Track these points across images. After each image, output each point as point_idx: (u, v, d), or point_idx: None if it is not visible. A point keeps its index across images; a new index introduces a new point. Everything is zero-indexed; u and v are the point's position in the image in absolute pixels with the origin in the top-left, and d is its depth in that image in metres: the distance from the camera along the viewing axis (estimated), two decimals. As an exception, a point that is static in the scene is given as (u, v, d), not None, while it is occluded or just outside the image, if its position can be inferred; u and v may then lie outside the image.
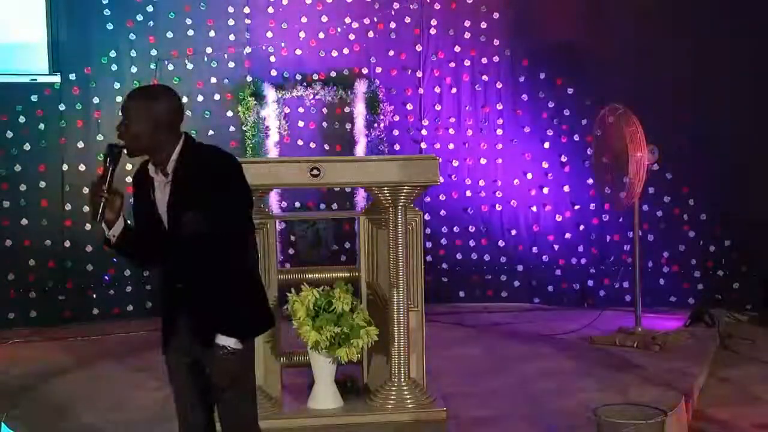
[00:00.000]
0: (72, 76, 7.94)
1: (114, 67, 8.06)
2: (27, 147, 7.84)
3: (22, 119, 7.83)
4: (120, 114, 3.14)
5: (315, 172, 4.87)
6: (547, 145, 8.41)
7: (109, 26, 8.06)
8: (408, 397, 4.93)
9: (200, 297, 3.14)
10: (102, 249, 7.78)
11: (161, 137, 3.09)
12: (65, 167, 7.93)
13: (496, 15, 8.46)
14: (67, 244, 7.92)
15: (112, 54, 8.06)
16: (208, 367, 3.18)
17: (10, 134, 7.79)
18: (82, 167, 7.96)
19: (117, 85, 8.04)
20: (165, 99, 3.12)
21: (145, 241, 3.19)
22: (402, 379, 4.95)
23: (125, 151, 3.11)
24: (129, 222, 3.18)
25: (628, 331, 6.83)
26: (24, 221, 7.80)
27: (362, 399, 5.08)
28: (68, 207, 7.91)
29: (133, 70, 8.10)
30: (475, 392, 5.47)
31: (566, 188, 8.36)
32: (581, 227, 8.35)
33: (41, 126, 7.88)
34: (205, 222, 3.06)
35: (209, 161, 3.13)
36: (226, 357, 3.06)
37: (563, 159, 8.33)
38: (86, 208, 7.90)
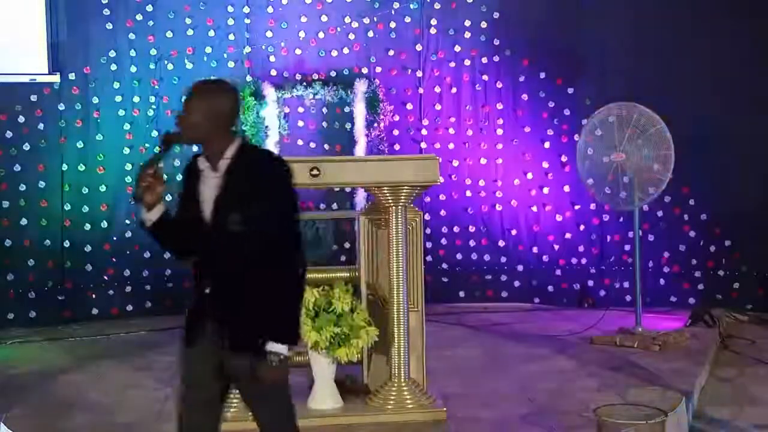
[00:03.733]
0: (71, 76, 7.93)
1: (113, 67, 8.05)
2: (26, 147, 7.83)
3: (21, 119, 7.81)
4: (182, 101, 3.16)
5: (315, 172, 4.87)
6: (547, 145, 8.40)
7: (109, 26, 8.05)
8: (408, 397, 4.93)
9: (240, 302, 3.10)
10: (103, 248, 7.90)
11: (217, 131, 3.12)
12: (65, 167, 7.92)
13: (496, 15, 8.45)
14: (67, 244, 7.91)
15: (112, 54, 8.05)
16: (240, 376, 3.14)
17: (9, 134, 7.78)
18: (81, 167, 7.95)
19: (116, 85, 8.04)
20: (225, 95, 3.16)
21: (185, 233, 3.16)
22: (402, 380, 4.95)
23: (179, 139, 3.16)
24: (170, 210, 3.18)
25: (628, 331, 6.83)
26: (23, 221, 7.79)
27: (362, 399, 5.08)
28: (68, 207, 7.90)
29: (133, 69, 8.09)
30: (475, 392, 5.47)
31: (566, 188, 8.35)
32: (581, 227, 8.35)
33: (41, 126, 7.87)
34: (249, 223, 3.06)
35: (267, 165, 3.16)
36: (276, 365, 3.04)
37: (563, 159, 8.32)
38: (86, 208, 7.92)
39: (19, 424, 4.92)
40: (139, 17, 8.11)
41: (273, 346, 3.05)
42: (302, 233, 3.22)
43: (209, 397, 3.21)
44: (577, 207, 8.33)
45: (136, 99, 8.09)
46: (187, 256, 3.26)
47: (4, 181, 7.76)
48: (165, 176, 3.13)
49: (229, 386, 3.25)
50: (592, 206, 8.20)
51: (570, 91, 8.31)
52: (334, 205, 8.40)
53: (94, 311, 7.95)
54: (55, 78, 7.83)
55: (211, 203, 3.11)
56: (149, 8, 8.12)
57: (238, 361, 3.11)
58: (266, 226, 3.07)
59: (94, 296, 7.97)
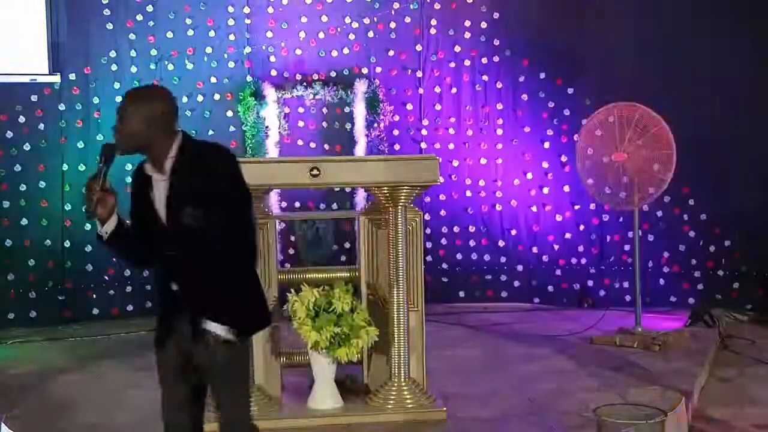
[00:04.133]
0: (72, 76, 7.94)
1: (114, 67, 8.06)
2: (27, 147, 7.83)
3: (22, 119, 7.82)
4: (117, 112, 3.18)
5: (315, 172, 4.88)
6: (547, 145, 8.41)
7: (109, 26, 8.05)
8: (408, 397, 4.93)
9: (198, 294, 3.16)
10: (101, 248, 7.88)
11: (155, 136, 3.14)
12: (65, 167, 7.93)
13: (496, 15, 8.45)
14: (67, 244, 7.91)
15: (112, 54, 8.06)
16: (199, 362, 3.20)
17: (10, 134, 7.79)
18: (82, 167, 7.95)
19: (117, 85, 8.04)
20: (159, 98, 3.19)
21: (143, 240, 3.22)
22: (402, 379, 4.95)
23: (119, 149, 3.18)
24: (124, 220, 3.21)
25: (628, 331, 6.84)
26: (24, 221, 7.80)
27: (362, 399, 5.08)
28: (68, 207, 7.90)
29: (133, 70, 8.09)
30: (475, 392, 5.46)
31: (566, 188, 8.35)
32: (581, 227, 8.35)
33: (41, 126, 7.87)
34: (205, 217, 3.09)
35: (210, 157, 3.18)
36: (213, 345, 3.10)
37: (563, 159, 8.33)
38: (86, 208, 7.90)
39: (19, 424, 4.92)
40: (139, 17, 8.11)
41: (209, 325, 3.11)
42: (254, 218, 3.24)
43: (184, 397, 3.28)
44: (576, 207, 8.33)
45: (136, 99, 8.08)
46: (146, 264, 3.35)
47: (5, 181, 7.77)
48: (111, 187, 3.15)
49: (205, 383, 3.30)
50: (592, 206, 8.20)
51: (570, 91, 8.32)
52: (334, 205, 8.41)
53: (95, 311, 7.96)
54: (56, 78, 7.83)
55: (164, 205, 3.15)
56: (149, 8, 8.13)
57: (199, 351, 3.16)
58: (220, 217, 3.09)
59: (94, 296, 7.98)
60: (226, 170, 3.16)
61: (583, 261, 8.36)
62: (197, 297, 3.16)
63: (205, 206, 3.09)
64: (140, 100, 3.16)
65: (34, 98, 7.85)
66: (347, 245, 8.28)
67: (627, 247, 8.06)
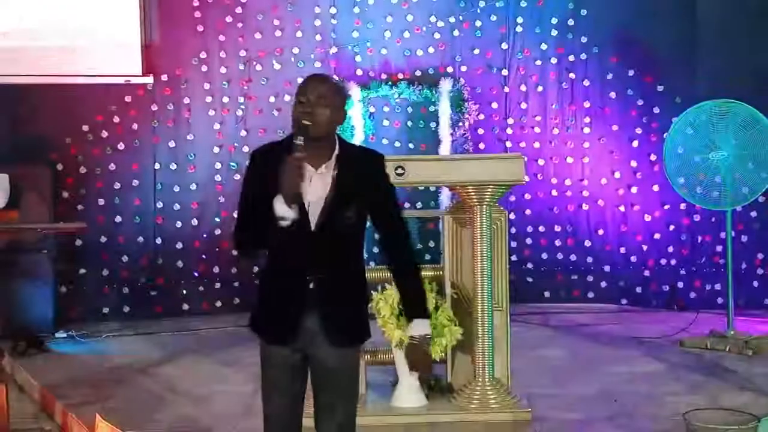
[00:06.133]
0: (164, 77, 8.14)
1: (204, 68, 8.23)
2: (121, 146, 8.07)
3: (116, 119, 8.06)
4: (305, 94, 3.08)
5: (400, 170, 4.90)
6: (636, 143, 8.26)
7: (200, 28, 8.23)
8: (492, 396, 4.92)
9: (346, 295, 3.20)
10: (193, 246, 8.05)
11: (335, 131, 3.17)
12: (157, 166, 8.14)
13: (583, 11, 8.34)
14: (159, 241, 8.13)
15: (203, 55, 8.23)
16: (331, 366, 3.19)
17: (105, 134, 8.04)
18: (173, 166, 8.16)
19: (207, 86, 8.21)
20: (347, 97, 3.25)
21: (264, 224, 3.10)
22: (486, 379, 4.94)
23: (312, 133, 3.09)
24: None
25: (720, 334, 6.66)
26: (118, 218, 8.04)
27: (446, 398, 5.10)
28: (160, 205, 8.12)
29: (223, 70, 8.25)
30: (560, 394, 5.42)
31: (656, 187, 8.18)
32: (671, 227, 8.17)
33: (134, 126, 8.10)
34: (359, 217, 3.19)
35: (370, 158, 3.25)
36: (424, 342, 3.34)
37: (653, 158, 8.16)
38: (177, 206, 8.12)
39: (114, 415, 5.08)
40: (228, 19, 8.27)
41: (420, 327, 3.34)
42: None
43: (292, 394, 3.24)
44: (666, 207, 8.16)
45: (225, 99, 8.26)
46: (255, 253, 3.37)
47: (100, 179, 8.03)
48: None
49: (306, 383, 3.28)
50: (683, 206, 8.01)
51: (660, 88, 8.14)
52: (419, 204, 8.43)
53: (185, 306, 8.14)
54: (149, 79, 8.04)
55: (320, 201, 3.09)
56: (238, 10, 8.27)
57: (333, 353, 3.16)
58: (384, 218, 3.28)
59: (184, 292, 8.16)
60: (385, 171, 3.26)
61: (673, 262, 8.18)
62: (336, 296, 3.16)
63: (365, 206, 3.18)
64: (339, 92, 3.22)
65: (128, 99, 8.08)
66: (431, 244, 8.28)
67: (719, 248, 7.86)
